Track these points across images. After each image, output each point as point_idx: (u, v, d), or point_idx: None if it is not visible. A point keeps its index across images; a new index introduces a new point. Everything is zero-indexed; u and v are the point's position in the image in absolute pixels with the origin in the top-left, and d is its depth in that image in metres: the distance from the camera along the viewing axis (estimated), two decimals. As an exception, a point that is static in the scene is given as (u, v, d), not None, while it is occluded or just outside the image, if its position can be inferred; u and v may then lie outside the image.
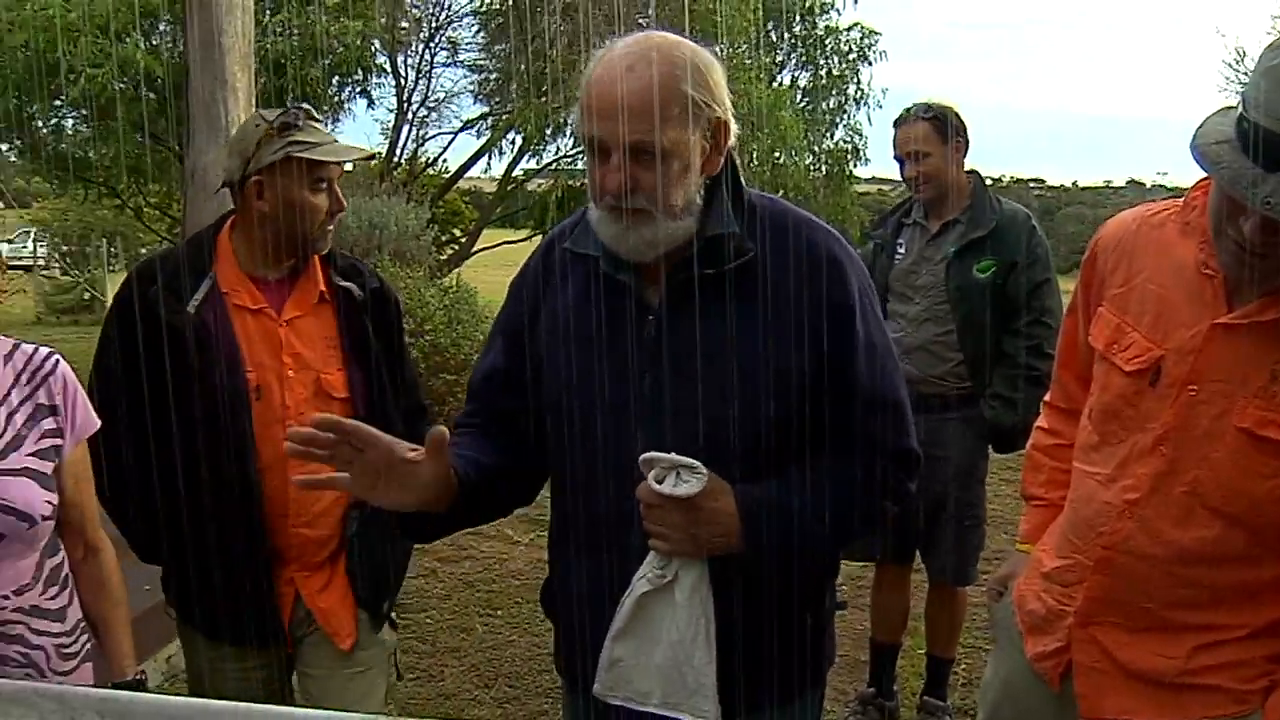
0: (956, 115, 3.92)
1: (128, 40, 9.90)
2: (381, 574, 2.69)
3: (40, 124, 11.90)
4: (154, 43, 10.28)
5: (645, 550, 1.84)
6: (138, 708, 1.59)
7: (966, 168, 3.96)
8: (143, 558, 2.67)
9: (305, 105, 2.54)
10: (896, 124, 3.99)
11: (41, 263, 23.01)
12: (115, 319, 2.50)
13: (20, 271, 19.55)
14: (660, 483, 1.78)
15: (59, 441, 2.08)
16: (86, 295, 20.12)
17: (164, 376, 2.34)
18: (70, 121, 11.95)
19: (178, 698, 1.63)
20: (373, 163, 2.77)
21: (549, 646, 4.89)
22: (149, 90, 10.25)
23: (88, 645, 2.20)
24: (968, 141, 3.94)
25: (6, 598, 1.99)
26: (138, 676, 2.21)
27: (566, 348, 1.89)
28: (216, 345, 2.42)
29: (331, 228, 2.54)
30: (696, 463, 1.77)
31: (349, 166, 2.65)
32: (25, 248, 23.70)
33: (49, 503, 2.02)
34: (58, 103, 11.21)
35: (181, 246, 2.69)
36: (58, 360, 2.12)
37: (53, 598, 2.10)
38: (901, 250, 4.00)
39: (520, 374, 1.98)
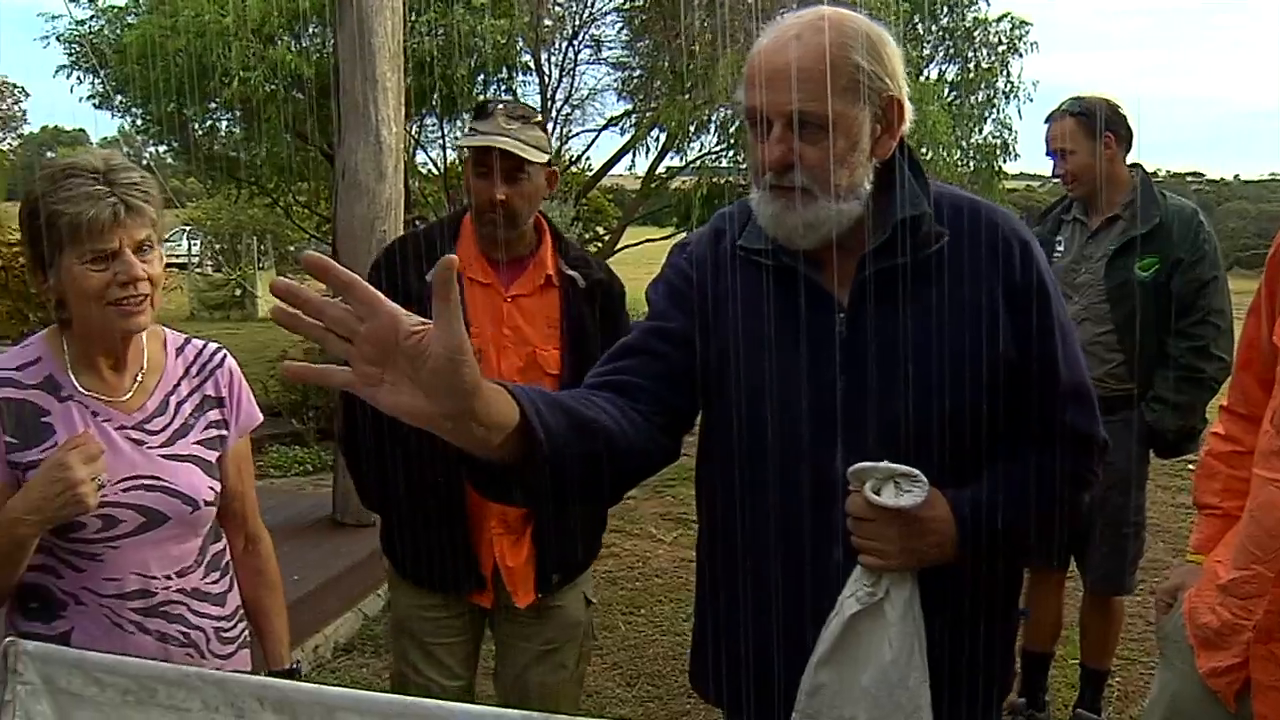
0: (1113, 109, 3.81)
1: (278, 43, 10.08)
2: (569, 543, 2.87)
3: (195, 126, 12.21)
4: (303, 45, 10.43)
5: (849, 566, 1.74)
6: (296, 696, 1.62)
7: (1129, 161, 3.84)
8: (367, 504, 3.04)
9: (509, 98, 2.73)
10: (1048, 120, 3.97)
11: (195, 260, 23.77)
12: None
13: (176, 269, 20.10)
14: (878, 494, 1.66)
15: (224, 432, 2.19)
16: (238, 292, 20.70)
17: None
18: (224, 123, 12.24)
19: (334, 688, 1.65)
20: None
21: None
22: (298, 91, 10.43)
23: (245, 633, 2.29)
24: (1127, 136, 3.83)
25: (170, 578, 2.09)
26: (294, 665, 2.33)
27: (746, 351, 1.77)
28: None
29: (495, 215, 2.69)
30: (915, 471, 1.68)
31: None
32: (180, 246, 24.44)
33: (211, 489, 2.13)
34: (211, 105, 11.46)
35: (434, 225, 2.97)
36: (225, 355, 2.24)
37: (214, 582, 2.19)
38: (1060, 248, 3.93)
39: (683, 366, 1.82)
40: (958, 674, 1.78)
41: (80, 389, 2.03)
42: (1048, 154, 3.98)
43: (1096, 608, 4.08)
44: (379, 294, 1.27)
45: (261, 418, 2.29)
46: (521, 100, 13.05)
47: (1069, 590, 4.25)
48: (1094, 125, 3.78)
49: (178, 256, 22.68)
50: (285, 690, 1.65)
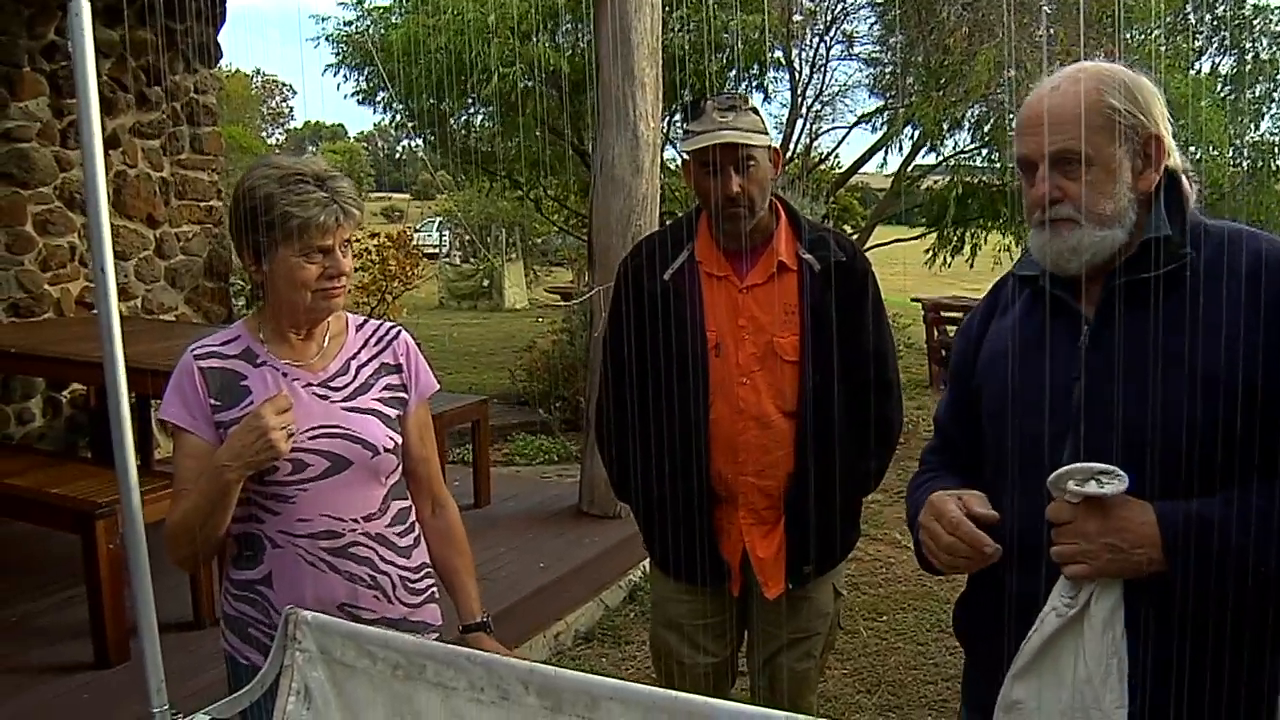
0: None
1: (536, 40, 10.30)
2: (825, 538, 2.82)
3: (452, 121, 12.62)
4: (558, 41, 10.64)
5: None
6: (561, 683, 1.64)
7: None
8: (618, 494, 3.10)
9: (716, 94, 2.78)
10: None
11: (445, 251, 24.54)
12: (616, 285, 2.95)
13: (427, 259, 20.94)
14: (1079, 486, 1.69)
15: (404, 395, 2.42)
16: (485, 282, 21.28)
17: (643, 333, 2.76)
18: (479, 118, 12.60)
19: (600, 677, 1.65)
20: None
21: (934, 657, 4.75)
22: (552, 87, 10.64)
23: (433, 588, 2.48)
24: None
25: (356, 521, 2.30)
26: (484, 619, 2.45)
27: (1003, 363, 1.93)
28: (686, 307, 2.77)
29: (737, 209, 2.72)
30: (1113, 467, 1.68)
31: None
32: (431, 237, 25.27)
33: (391, 438, 2.34)
34: (469, 100, 11.82)
35: (672, 224, 2.98)
36: (400, 330, 2.50)
37: (400, 535, 2.39)
38: None
39: (969, 404, 2.07)
40: (1173, 703, 1.69)
41: (272, 356, 2.33)
42: None
43: None
44: None
45: (437, 385, 2.53)
46: (770, 94, 12.99)
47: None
48: None
49: (430, 247, 23.39)
50: (550, 676, 1.67)
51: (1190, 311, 1.74)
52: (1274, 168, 12.78)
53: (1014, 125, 1.89)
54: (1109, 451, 1.73)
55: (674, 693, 1.60)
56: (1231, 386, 1.69)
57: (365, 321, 2.49)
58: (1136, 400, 1.74)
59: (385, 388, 2.39)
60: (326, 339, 2.39)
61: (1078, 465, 1.70)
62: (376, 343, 2.44)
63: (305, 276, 2.23)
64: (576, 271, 15.22)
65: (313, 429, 2.26)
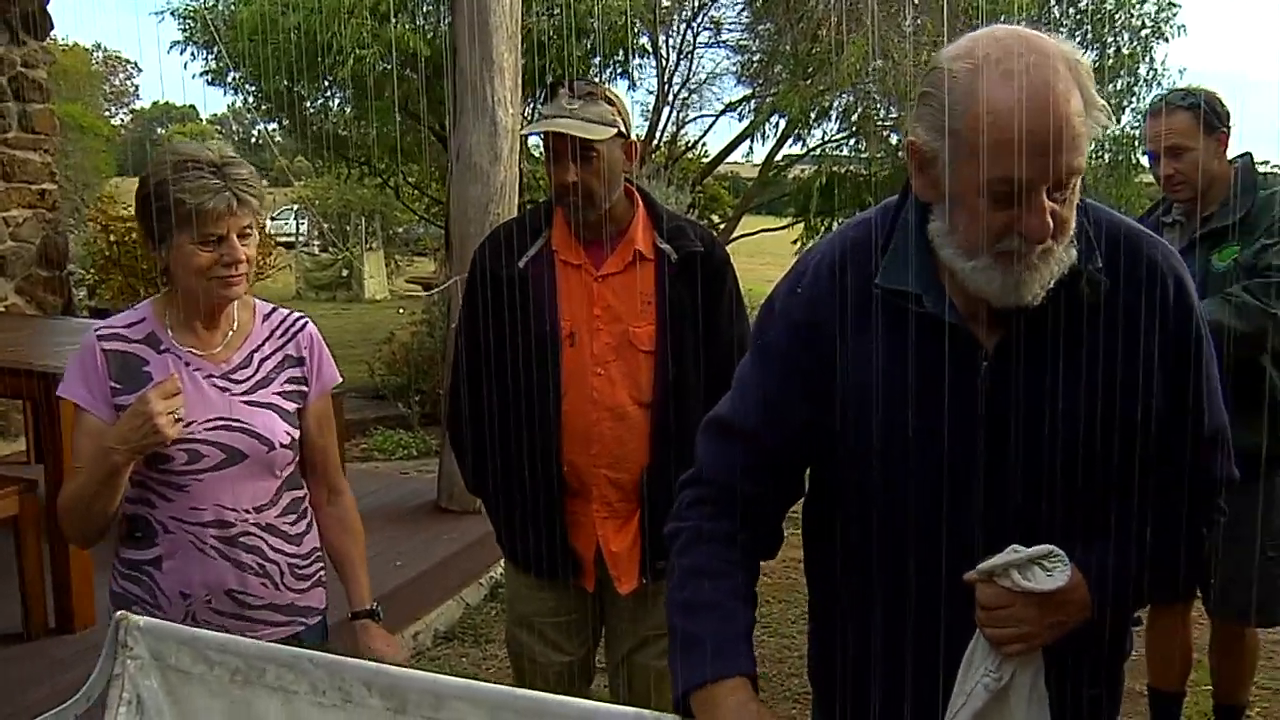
0: (1220, 102, 3.49)
1: (394, 21, 10.11)
2: None
3: (307, 104, 12.34)
4: (418, 23, 10.47)
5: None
6: (406, 683, 1.63)
7: (1230, 156, 3.52)
8: (470, 488, 3.06)
9: (575, 80, 2.75)
10: (1150, 114, 3.58)
11: (302, 240, 23.99)
12: (470, 273, 2.89)
13: (283, 249, 20.41)
14: (1028, 580, 1.59)
15: (304, 388, 2.47)
16: (344, 272, 20.90)
17: (497, 322, 2.74)
18: (335, 102, 12.34)
19: (445, 676, 1.65)
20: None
21: (799, 649, 4.76)
22: (411, 71, 10.46)
23: (322, 574, 2.54)
24: (1229, 130, 3.49)
25: (247, 512, 2.35)
26: (374, 607, 2.51)
27: (887, 398, 1.65)
28: (539, 296, 2.72)
29: (572, 198, 2.69)
30: (1053, 548, 1.59)
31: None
32: (288, 225, 24.72)
33: (288, 434, 2.39)
34: (324, 84, 11.56)
35: (529, 211, 2.96)
36: (306, 321, 2.54)
37: (291, 524, 2.44)
38: None
39: (827, 425, 1.72)
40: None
41: (176, 344, 2.36)
42: (1145, 153, 3.67)
43: (1230, 640, 3.75)
44: None
45: (341, 378, 2.59)
46: (636, 81, 12.93)
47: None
48: (1210, 120, 3.41)
49: (285, 236, 22.93)
50: (395, 676, 1.65)
51: (1098, 340, 1.61)
52: (1134, 161, 13.16)
53: (982, 130, 1.48)
54: (1013, 496, 1.63)
55: (522, 690, 1.59)
56: (1131, 419, 1.62)
57: (274, 310, 2.51)
58: (1051, 443, 1.61)
59: (287, 381, 2.44)
60: (232, 330, 2.42)
61: (1012, 556, 1.59)
62: (282, 334, 2.48)
63: (200, 263, 2.26)
64: (439, 262, 15.05)
65: (210, 420, 2.31)
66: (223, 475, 2.32)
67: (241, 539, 2.34)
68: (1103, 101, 1.53)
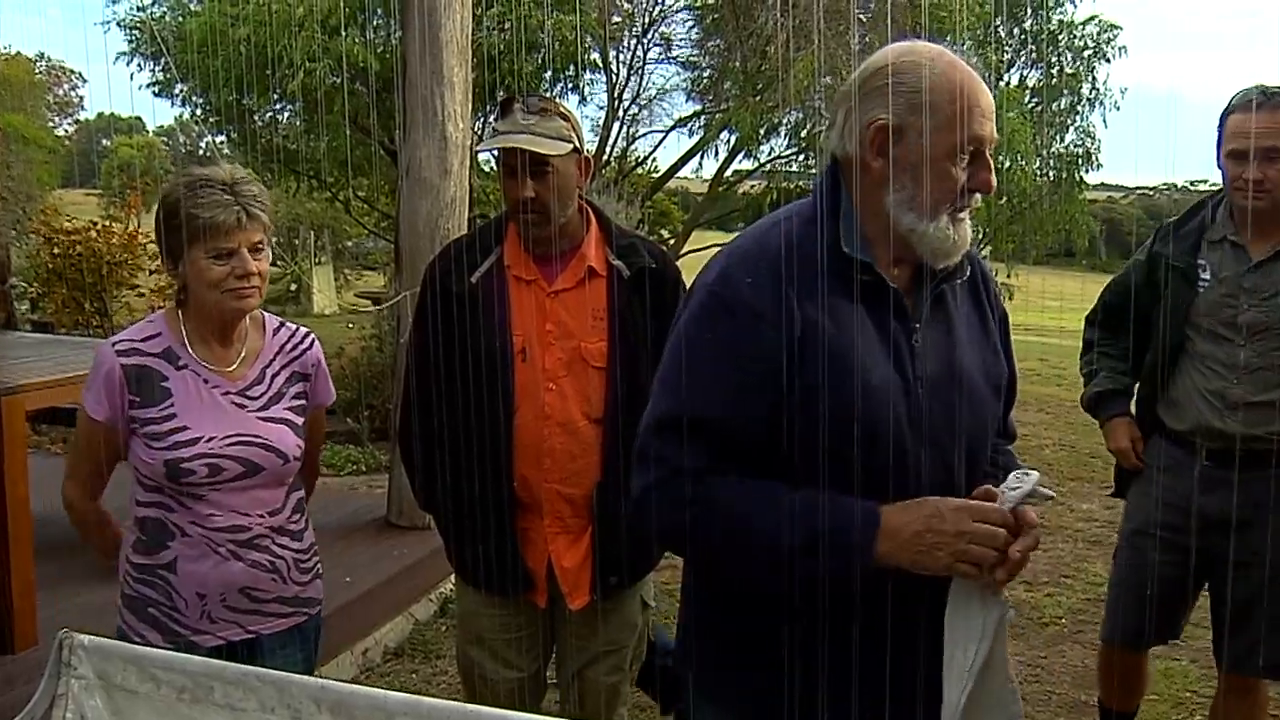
0: None
1: (344, 35, 10.05)
2: (633, 549, 2.76)
3: (255, 117, 12.23)
4: (368, 37, 10.41)
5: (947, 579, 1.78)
6: (354, 700, 1.63)
7: None
8: (421, 503, 3.04)
9: (528, 95, 2.76)
10: (1238, 108, 3.15)
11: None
12: (422, 288, 2.90)
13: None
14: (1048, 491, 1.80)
15: (305, 403, 2.64)
16: (293, 286, 20.71)
17: (448, 337, 2.75)
18: (285, 115, 12.24)
19: (393, 692, 1.63)
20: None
21: None
22: (361, 84, 10.41)
23: (318, 564, 2.71)
24: None
25: (262, 517, 2.52)
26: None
27: (839, 360, 1.78)
28: (491, 311, 2.73)
29: (525, 214, 2.71)
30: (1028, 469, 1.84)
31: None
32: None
33: (298, 446, 2.57)
34: (274, 96, 11.47)
35: (482, 227, 2.94)
36: (313, 338, 2.69)
37: (295, 522, 2.62)
38: (1206, 276, 3.23)
39: (788, 396, 1.79)
40: None
41: (195, 359, 2.49)
42: (1222, 158, 3.19)
43: (1242, 693, 3.47)
44: None
45: (334, 396, 2.76)
46: (586, 96, 12.92)
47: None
48: None
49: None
50: (343, 694, 1.64)
51: (974, 313, 2.01)
52: (1078, 178, 13.41)
53: (967, 101, 1.78)
54: (952, 454, 1.85)
55: (472, 706, 1.58)
56: (998, 381, 2.02)
57: (281, 325, 2.67)
58: (965, 403, 1.86)
59: (295, 396, 2.61)
60: (245, 346, 2.56)
61: (1027, 476, 1.79)
62: (291, 349, 2.64)
63: (213, 277, 2.39)
64: (388, 276, 14.95)
65: (230, 436, 2.46)
66: (241, 486, 2.47)
67: (255, 541, 2.50)
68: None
